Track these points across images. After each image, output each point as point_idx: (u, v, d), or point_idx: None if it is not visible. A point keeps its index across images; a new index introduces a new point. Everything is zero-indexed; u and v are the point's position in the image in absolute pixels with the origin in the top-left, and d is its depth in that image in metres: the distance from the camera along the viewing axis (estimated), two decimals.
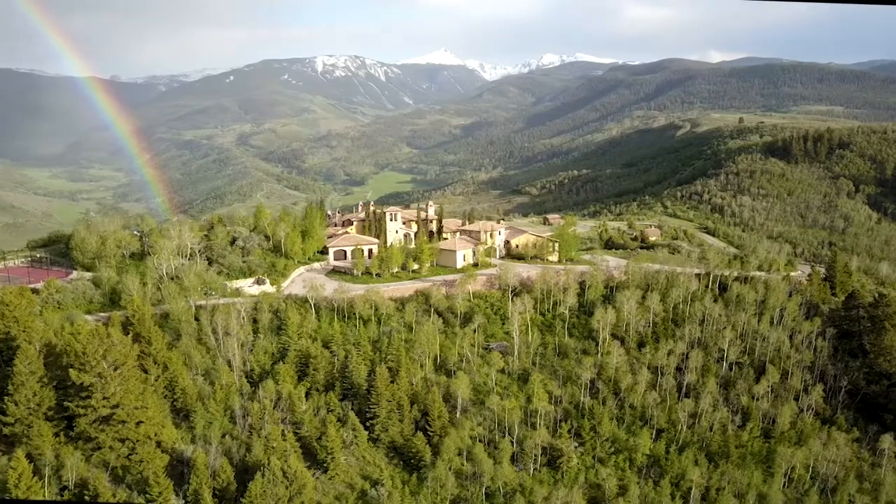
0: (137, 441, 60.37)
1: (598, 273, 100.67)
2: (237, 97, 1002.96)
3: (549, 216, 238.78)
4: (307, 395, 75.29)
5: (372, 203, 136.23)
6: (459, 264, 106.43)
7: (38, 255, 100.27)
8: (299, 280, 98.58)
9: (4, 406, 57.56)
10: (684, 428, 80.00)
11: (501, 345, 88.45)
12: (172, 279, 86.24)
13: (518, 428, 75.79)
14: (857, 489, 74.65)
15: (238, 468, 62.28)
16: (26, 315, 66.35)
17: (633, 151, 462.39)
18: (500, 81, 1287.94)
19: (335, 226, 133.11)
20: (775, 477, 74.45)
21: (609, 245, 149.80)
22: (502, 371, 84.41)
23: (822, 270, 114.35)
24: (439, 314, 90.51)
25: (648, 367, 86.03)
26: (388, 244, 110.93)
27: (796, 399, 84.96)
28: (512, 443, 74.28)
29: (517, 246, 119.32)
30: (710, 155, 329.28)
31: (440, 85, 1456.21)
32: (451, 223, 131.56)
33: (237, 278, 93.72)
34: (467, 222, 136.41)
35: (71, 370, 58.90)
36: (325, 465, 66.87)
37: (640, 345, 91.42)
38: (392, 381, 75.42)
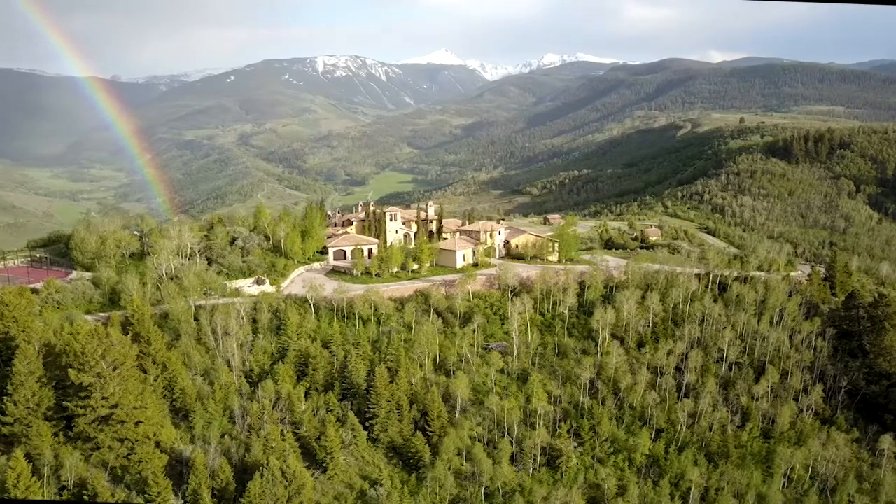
0: (136, 441, 60.38)
1: (598, 273, 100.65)
2: (238, 97, 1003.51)
3: (550, 216, 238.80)
4: (306, 395, 75.29)
5: (372, 203, 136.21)
6: (459, 264, 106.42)
7: (37, 255, 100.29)
8: (299, 280, 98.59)
9: (3, 406, 57.57)
10: (684, 428, 79.97)
11: (501, 345, 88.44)
12: (172, 279, 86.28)
13: (517, 428, 75.78)
14: (856, 489, 74.61)
15: (237, 468, 62.28)
16: (26, 315, 66.38)
17: (634, 151, 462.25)
18: (500, 81, 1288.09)
19: (335, 226, 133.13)
20: (775, 477, 74.42)
21: (609, 245, 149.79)
22: (502, 371, 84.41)
23: (822, 270, 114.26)
24: (439, 314, 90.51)
25: (648, 367, 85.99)
26: (388, 244, 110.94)
27: (796, 399, 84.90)
28: (511, 443, 74.25)
29: (517, 246, 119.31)
30: (710, 155, 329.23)
31: (441, 85, 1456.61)
32: (451, 223, 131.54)
33: (237, 278, 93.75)
34: (467, 222, 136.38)
35: (70, 370, 58.92)
36: (324, 465, 66.87)
37: (640, 345, 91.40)
38: (391, 381, 75.41)
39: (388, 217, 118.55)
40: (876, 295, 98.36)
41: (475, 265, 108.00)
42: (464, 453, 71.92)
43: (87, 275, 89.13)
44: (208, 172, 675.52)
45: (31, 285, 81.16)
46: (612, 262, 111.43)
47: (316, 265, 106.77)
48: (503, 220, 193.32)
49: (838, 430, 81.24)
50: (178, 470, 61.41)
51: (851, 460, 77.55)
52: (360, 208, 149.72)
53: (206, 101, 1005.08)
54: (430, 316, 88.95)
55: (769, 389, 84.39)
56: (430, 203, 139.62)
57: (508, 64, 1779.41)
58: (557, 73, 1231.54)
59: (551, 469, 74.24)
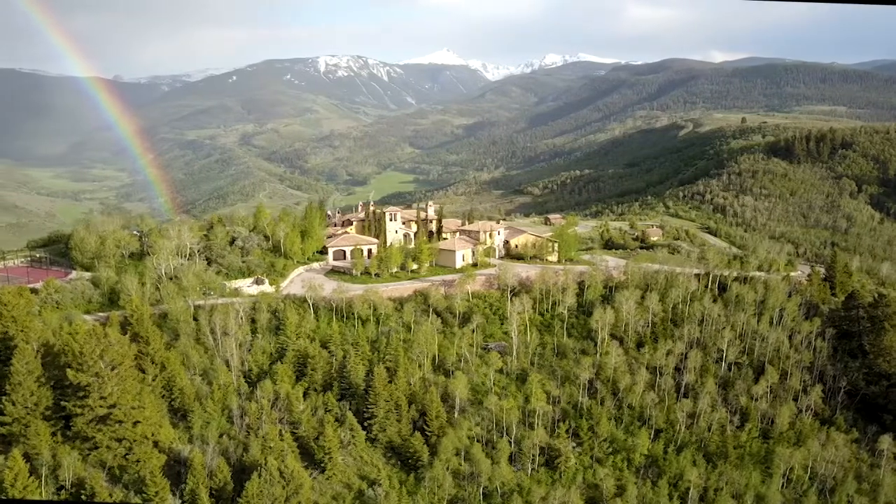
0: (134, 441, 60.49)
1: (598, 273, 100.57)
2: (240, 97, 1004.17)
3: (551, 216, 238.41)
4: (305, 395, 75.34)
5: (372, 203, 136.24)
6: (458, 264, 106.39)
7: (37, 255, 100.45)
8: (298, 280, 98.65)
9: (2, 406, 57.68)
10: (682, 428, 79.90)
11: (500, 345, 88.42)
12: (171, 279, 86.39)
13: (516, 428, 75.75)
14: (855, 490, 74.51)
15: (235, 468, 62.35)
16: (24, 315, 66.48)
17: (636, 151, 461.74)
18: (502, 81, 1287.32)
19: (335, 226, 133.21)
20: (774, 477, 74.36)
21: (609, 245, 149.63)
22: (501, 371, 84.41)
23: (822, 271, 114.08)
24: (438, 314, 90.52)
25: (647, 368, 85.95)
26: (388, 244, 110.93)
27: (795, 399, 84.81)
28: (510, 443, 74.22)
29: (516, 246, 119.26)
30: (712, 155, 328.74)
31: (443, 85, 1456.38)
32: (450, 223, 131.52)
33: (236, 278, 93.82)
34: (467, 222, 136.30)
35: (68, 370, 59.03)
36: (322, 464, 66.94)
37: (639, 345, 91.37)
38: (390, 381, 75.44)
39: (387, 217, 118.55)
40: (876, 295, 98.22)
41: (474, 265, 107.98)
42: (462, 453, 71.91)
43: (87, 275, 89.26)
44: (210, 172, 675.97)
45: (31, 285, 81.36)
46: (612, 262, 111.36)
47: (315, 265, 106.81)
48: (504, 220, 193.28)
49: (837, 430, 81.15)
50: (176, 470, 61.47)
51: (851, 461, 77.44)
52: (359, 208, 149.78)
53: (208, 101, 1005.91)
54: (429, 316, 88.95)
55: (768, 390, 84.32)
56: (430, 203, 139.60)
57: (510, 64, 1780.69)
58: (559, 73, 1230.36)
59: (550, 469, 74.27)
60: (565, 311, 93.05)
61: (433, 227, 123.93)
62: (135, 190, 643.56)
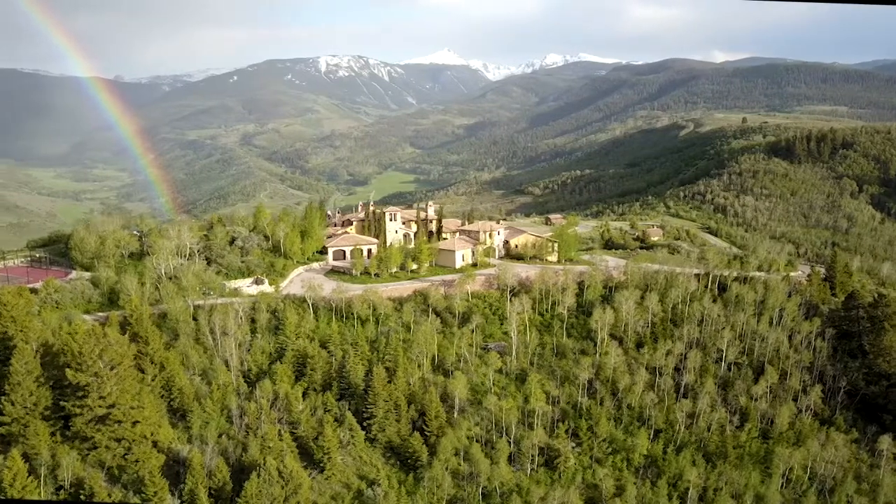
0: (133, 441, 60.52)
1: (597, 273, 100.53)
2: (241, 97, 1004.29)
3: (552, 216, 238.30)
4: (304, 395, 75.36)
5: (372, 203, 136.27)
6: (458, 264, 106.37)
7: (37, 255, 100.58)
8: (298, 280, 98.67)
9: (1, 405, 57.74)
10: (682, 428, 79.88)
11: (499, 345, 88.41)
12: (171, 279, 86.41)
13: (515, 428, 75.77)
14: (855, 490, 74.46)
15: (234, 468, 62.37)
16: (24, 315, 66.54)
17: (637, 151, 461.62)
18: (503, 81, 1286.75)
19: (335, 226, 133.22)
20: (773, 477, 74.34)
21: (609, 245, 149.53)
22: (500, 371, 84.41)
23: (823, 271, 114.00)
24: (437, 314, 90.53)
25: (646, 368, 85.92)
26: (388, 244, 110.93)
27: (795, 400, 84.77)
28: (509, 443, 74.23)
29: (516, 246, 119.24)
30: (713, 155, 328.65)
31: (443, 85, 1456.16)
32: (450, 223, 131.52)
33: (236, 278, 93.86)
34: (466, 222, 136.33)
35: (67, 370, 59.08)
36: (321, 464, 66.94)
37: (639, 345, 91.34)
38: (389, 381, 75.46)
39: (387, 217, 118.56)
40: (876, 295, 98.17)
41: (474, 265, 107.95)
42: (461, 453, 71.94)
43: (87, 274, 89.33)
44: (211, 172, 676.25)
45: (31, 285, 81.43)
46: (612, 263, 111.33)
47: (315, 265, 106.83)
48: (504, 220, 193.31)
49: (837, 430, 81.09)
50: (175, 470, 61.51)
51: (850, 461, 77.42)
52: (359, 208, 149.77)
53: (209, 101, 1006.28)
54: (428, 316, 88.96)
55: (768, 390, 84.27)
56: (430, 203, 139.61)
57: (511, 64, 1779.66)
58: (560, 73, 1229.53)
59: (549, 469, 74.27)
60: (565, 312, 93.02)
61: (433, 227, 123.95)
62: (136, 190, 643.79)
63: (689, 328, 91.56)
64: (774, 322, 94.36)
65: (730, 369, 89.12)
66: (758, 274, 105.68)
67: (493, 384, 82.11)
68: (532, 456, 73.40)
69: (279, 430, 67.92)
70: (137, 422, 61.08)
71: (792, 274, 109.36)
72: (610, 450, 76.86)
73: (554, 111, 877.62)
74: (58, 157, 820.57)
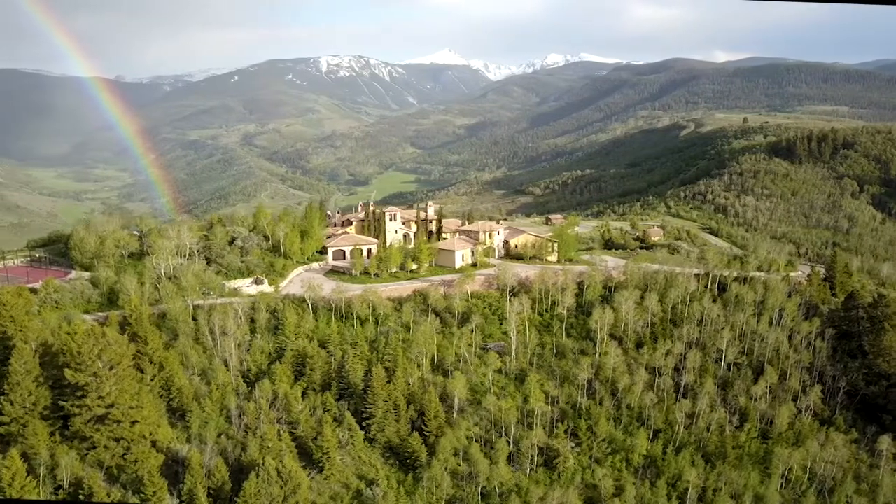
0: (132, 440, 60.55)
1: (597, 273, 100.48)
2: (242, 97, 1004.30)
3: (552, 216, 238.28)
4: (303, 394, 75.38)
5: (372, 203, 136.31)
6: (458, 264, 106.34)
7: (37, 255, 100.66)
8: (297, 280, 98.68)
9: (0, 405, 57.78)
10: (681, 428, 79.85)
11: (499, 345, 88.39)
12: (170, 279, 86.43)
13: (515, 428, 75.77)
14: (854, 490, 74.41)
15: (233, 468, 62.40)
16: (23, 314, 66.61)
17: (637, 151, 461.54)
18: (504, 81, 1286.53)
19: (335, 226, 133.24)
20: (772, 478, 74.31)
21: (609, 245, 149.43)
22: (499, 371, 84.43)
23: (822, 271, 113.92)
24: (437, 314, 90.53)
25: (646, 368, 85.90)
26: (387, 244, 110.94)
27: (794, 400, 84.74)
28: (508, 443, 74.22)
29: (516, 246, 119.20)
30: (713, 155, 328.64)
31: (444, 85, 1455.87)
32: (450, 223, 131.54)
33: (235, 278, 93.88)
34: (466, 222, 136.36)
35: (66, 370, 59.14)
36: (320, 464, 66.95)
37: (638, 345, 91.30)
38: (388, 381, 75.47)
39: (387, 217, 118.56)
40: (875, 295, 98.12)
41: (474, 265, 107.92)
42: (461, 453, 71.95)
43: (86, 274, 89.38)
44: (212, 172, 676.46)
45: (30, 285, 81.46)
46: (611, 263, 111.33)
47: (315, 265, 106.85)
48: (504, 220, 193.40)
49: (837, 430, 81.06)
50: (174, 469, 61.56)
51: (850, 461, 77.38)
52: (359, 208, 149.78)
53: (210, 101, 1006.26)
54: (428, 316, 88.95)
55: (768, 390, 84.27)
56: (430, 203, 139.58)
57: (512, 64, 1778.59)
58: (561, 73, 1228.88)
59: (548, 469, 74.26)
60: (564, 312, 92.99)
61: (433, 227, 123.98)
62: (137, 190, 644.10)
63: (688, 328, 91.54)
64: (774, 322, 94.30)
65: (729, 369, 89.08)
66: (758, 274, 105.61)
67: (493, 384, 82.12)
68: (531, 456, 73.41)
69: (278, 430, 67.96)
70: (136, 421, 61.13)
71: (792, 274, 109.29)
72: (609, 450, 76.86)
73: (555, 111, 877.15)
74: (59, 157, 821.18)
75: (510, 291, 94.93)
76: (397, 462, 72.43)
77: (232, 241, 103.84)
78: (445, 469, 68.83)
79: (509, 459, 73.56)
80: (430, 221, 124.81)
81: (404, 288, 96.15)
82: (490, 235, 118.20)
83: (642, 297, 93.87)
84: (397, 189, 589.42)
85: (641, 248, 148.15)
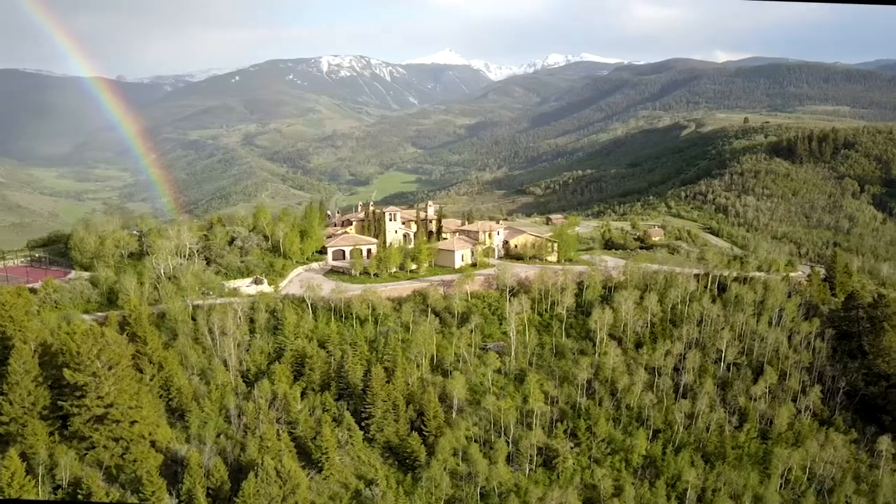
0: (131, 440, 60.55)
1: (596, 273, 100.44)
2: (243, 97, 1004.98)
3: (553, 216, 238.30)
4: (303, 394, 75.36)
5: (372, 203, 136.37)
6: (458, 264, 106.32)
7: (37, 255, 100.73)
8: (297, 280, 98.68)
9: None
10: (681, 429, 79.78)
11: (498, 345, 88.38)
12: (170, 279, 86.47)
13: (514, 428, 75.73)
14: (854, 490, 74.33)
15: (232, 468, 62.39)
16: (22, 314, 66.65)
17: (638, 151, 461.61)
18: (505, 81, 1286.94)
19: (335, 226, 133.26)
20: (772, 478, 74.24)
21: (609, 245, 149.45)
22: (499, 371, 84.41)
23: (822, 271, 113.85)
24: (436, 314, 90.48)
25: (645, 368, 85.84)
26: (387, 244, 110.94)
27: (794, 400, 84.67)
28: (507, 443, 74.18)
29: (516, 246, 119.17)
30: (714, 155, 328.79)
31: (445, 85, 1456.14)
32: (450, 223, 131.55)
33: (235, 278, 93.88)
34: (466, 222, 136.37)
35: (65, 370, 59.16)
36: (319, 464, 66.91)
37: (638, 345, 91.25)
38: (388, 381, 75.47)
39: (387, 217, 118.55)
40: (875, 295, 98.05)
41: (474, 265, 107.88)
42: (460, 453, 71.94)
43: (86, 274, 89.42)
44: (213, 172, 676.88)
45: (30, 285, 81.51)
46: (611, 263, 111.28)
47: (315, 265, 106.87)
48: (505, 220, 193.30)
49: (836, 431, 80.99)
50: (173, 469, 61.57)
51: (849, 461, 77.34)
52: (359, 208, 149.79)
53: (210, 101, 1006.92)
54: (427, 316, 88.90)
55: (767, 390, 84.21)
56: (430, 203, 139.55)
57: (513, 64, 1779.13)
58: (562, 73, 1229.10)
59: (547, 469, 74.21)
60: (564, 312, 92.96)
61: (433, 227, 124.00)
62: (138, 190, 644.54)
63: (688, 328, 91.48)
64: (774, 322, 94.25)
65: (729, 369, 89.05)
66: (757, 274, 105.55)
67: (492, 384, 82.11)
68: (530, 456, 73.34)
69: (277, 430, 67.93)
70: (135, 421, 61.14)
71: (792, 274, 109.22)
72: (608, 450, 76.82)
73: (556, 111, 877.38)
74: (60, 157, 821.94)
75: (510, 291, 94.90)
76: (396, 462, 72.41)
77: (231, 241, 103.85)
78: (444, 469, 68.80)
79: (508, 459, 73.54)
80: (430, 221, 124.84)
81: (404, 288, 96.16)
82: (490, 235, 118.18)
83: (642, 298, 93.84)
84: (398, 189, 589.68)
85: (641, 248, 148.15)
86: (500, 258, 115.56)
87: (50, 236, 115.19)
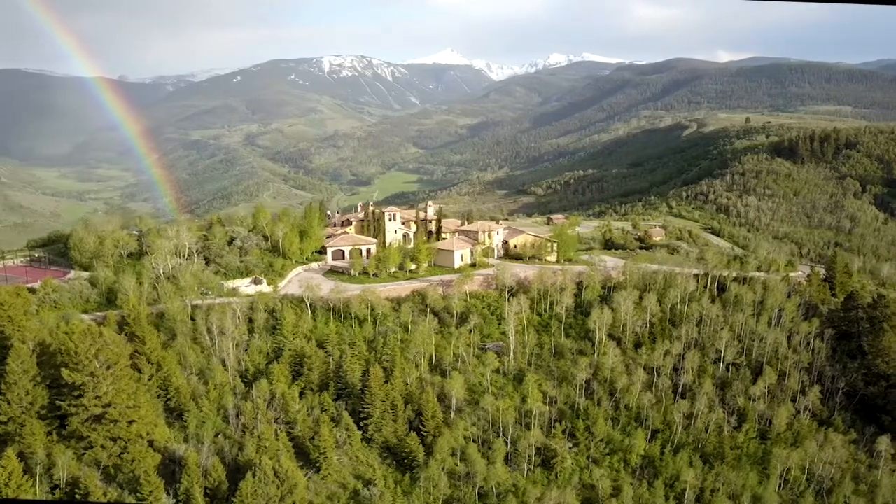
0: (129, 440, 60.59)
1: (596, 273, 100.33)
2: (244, 97, 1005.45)
3: (554, 216, 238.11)
4: (301, 394, 75.41)
5: (373, 203, 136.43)
6: (457, 264, 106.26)
7: (36, 255, 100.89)
8: (296, 280, 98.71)
9: None
10: (680, 429, 79.71)
11: (497, 345, 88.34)
12: (169, 279, 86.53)
13: (512, 428, 75.71)
14: (853, 491, 74.26)
15: (230, 467, 62.45)
16: (21, 314, 66.78)
17: (640, 151, 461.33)
18: (506, 81, 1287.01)
19: (334, 226, 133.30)
20: (771, 478, 74.16)
21: (609, 245, 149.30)
22: (497, 371, 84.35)
23: (822, 271, 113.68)
24: (435, 314, 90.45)
25: (644, 368, 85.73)
26: (387, 244, 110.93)
27: (793, 400, 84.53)
28: (506, 443, 74.18)
29: (515, 246, 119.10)
30: (716, 155, 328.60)
31: (447, 85, 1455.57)
32: (450, 223, 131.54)
33: (234, 278, 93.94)
34: (466, 222, 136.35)
35: (63, 369, 59.22)
36: (317, 464, 66.94)
37: (637, 345, 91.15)
38: (386, 381, 75.48)
39: (386, 217, 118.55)
40: (875, 296, 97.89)
41: (473, 265, 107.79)
42: (458, 453, 71.95)
43: (85, 274, 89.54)
44: (214, 172, 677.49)
45: (29, 285, 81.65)
46: (611, 263, 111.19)
47: (314, 265, 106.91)
48: (505, 220, 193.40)
49: (835, 431, 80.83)
50: (171, 469, 61.66)
51: (848, 462, 77.22)
52: (359, 208, 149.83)
53: (212, 101, 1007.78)
54: (426, 316, 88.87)
55: (766, 390, 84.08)
56: (430, 203, 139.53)
57: (514, 64, 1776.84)
58: (563, 73, 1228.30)
59: (546, 469, 74.20)
60: (563, 312, 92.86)
61: (432, 227, 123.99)
62: (139, 190, 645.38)
63: (687, 328, 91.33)
64: (773, 322, 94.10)
65: (728, 370, 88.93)
66: (757, 274, 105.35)
67: (491, 384, 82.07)
68: (529, 456, 73.31)
69: (275, 430, 67.94)
70: (133, 421, 61.19)
71: (792, 274, 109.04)
72: (607, 450, 76.80)
73: (557, 111, 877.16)
74: (62, 157, 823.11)
75: (509, 291, 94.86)
76: (394, 462, 72.43)
77: (231, 241, 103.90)
78: (443, 469, 68.79)
79: (507, 459, 73.54)
80: (430, 221, 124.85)
81: (403, 288, 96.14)
82: (489, 235, 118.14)
83: (641, 298, 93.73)
84: (399, 189, 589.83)
85: (642, 248, 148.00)
86: (499, 258, 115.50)
87: (49, 236, 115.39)
